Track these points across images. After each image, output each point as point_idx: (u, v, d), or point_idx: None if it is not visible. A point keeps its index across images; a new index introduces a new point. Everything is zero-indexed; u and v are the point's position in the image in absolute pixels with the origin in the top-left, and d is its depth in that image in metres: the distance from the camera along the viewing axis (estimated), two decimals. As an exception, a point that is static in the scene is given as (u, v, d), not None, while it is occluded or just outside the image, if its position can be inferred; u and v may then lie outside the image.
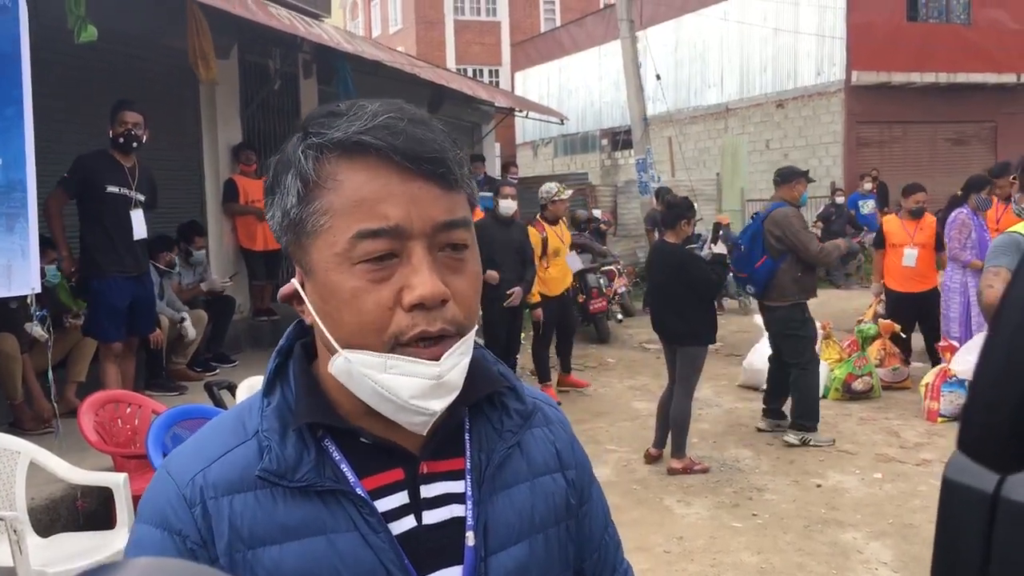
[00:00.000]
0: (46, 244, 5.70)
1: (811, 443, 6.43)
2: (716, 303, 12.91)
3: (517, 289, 7.37)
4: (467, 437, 1.02)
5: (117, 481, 3.92)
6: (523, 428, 1.05)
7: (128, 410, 4.88)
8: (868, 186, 15.29)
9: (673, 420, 6.03)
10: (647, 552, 4.74)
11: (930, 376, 7.28)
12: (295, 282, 0.97)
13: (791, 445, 6.48)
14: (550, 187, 8.09)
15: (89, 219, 5.79)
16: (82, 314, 6.13)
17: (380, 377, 0.89)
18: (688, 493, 5.67)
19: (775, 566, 4.59)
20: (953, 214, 7.81)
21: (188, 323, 7.16)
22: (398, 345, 0.89)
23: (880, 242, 8.43)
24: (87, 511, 4.56)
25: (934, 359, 7.77)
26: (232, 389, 4.96)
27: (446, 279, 0.90)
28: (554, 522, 1.04)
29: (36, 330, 5.12)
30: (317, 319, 0.93)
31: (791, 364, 6.52)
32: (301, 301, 0.96)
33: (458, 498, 0.98)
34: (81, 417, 4.51)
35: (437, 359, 0.89)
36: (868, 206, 15.13)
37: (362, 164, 0.89)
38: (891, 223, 8.40)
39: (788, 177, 6.78)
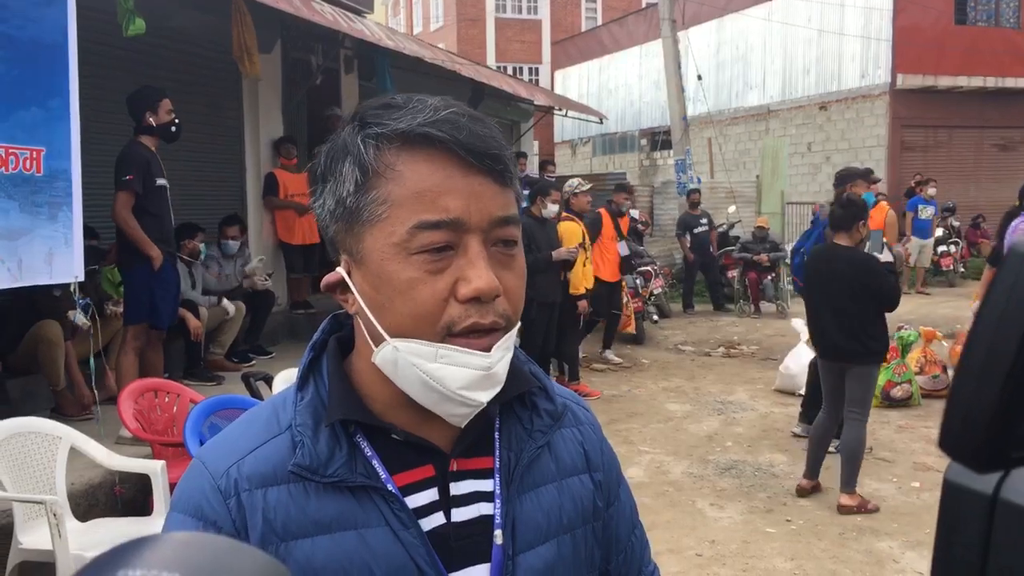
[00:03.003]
0: (90, 234, 5.78)
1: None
2: (754, 306, 12.91)
3: (562, 251, 7.65)
4: (497, 436, 1.02)
5: (155, 468, 3.98)
6: (553, 428, 1.05)
7: (167, 399, 4.95)
8: (932, 191, 15.07)
9: (845, 450, 5.37)
10: (678, 555, 4.72)
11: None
12: (341, 271, 0.97)
13: (797, 436, 6.54)
14: (572, 182, 8.39)
15: (141, 212, 5.74)
16: (122, 301, 6.20)
17: (430, 366, 0.90)
18: (721, 497, 5.63)
19: (808, 573, 4.54)
20: (1014, 224, 7.13)
21: (226, 301, 7.31)
22: (450, 335, 0.90)
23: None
24: (125, 497, 4.63)
25: None
26: (269, 381, 5.00)
27: (498, 274, 0.91)
28: (581, 523, 1.05)
29: (79, 318, 5.20)
30: (365, 308, 0.94)
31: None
32: (346, 290, 0.96)
33: (487, 496, 0.99)
34: (121, 404, 4.57)
35: (488, 350, 0.90)
36: (927, 212, 14.93)
37: (424, 156, 0.90)
38: None
39: (845, 179, 6.67)
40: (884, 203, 8.13)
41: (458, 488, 0.98)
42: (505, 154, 0.92)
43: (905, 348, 7.78)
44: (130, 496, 4.65)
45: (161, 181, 5.79)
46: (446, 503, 0.97)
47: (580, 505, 1.05)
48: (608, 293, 9.09)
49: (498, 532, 0.96)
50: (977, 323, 0.52)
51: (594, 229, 8.80)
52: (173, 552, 0.49)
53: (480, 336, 0.90)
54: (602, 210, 9.21)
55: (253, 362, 7.65)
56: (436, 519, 0.96)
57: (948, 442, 0.52)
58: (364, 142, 0.92)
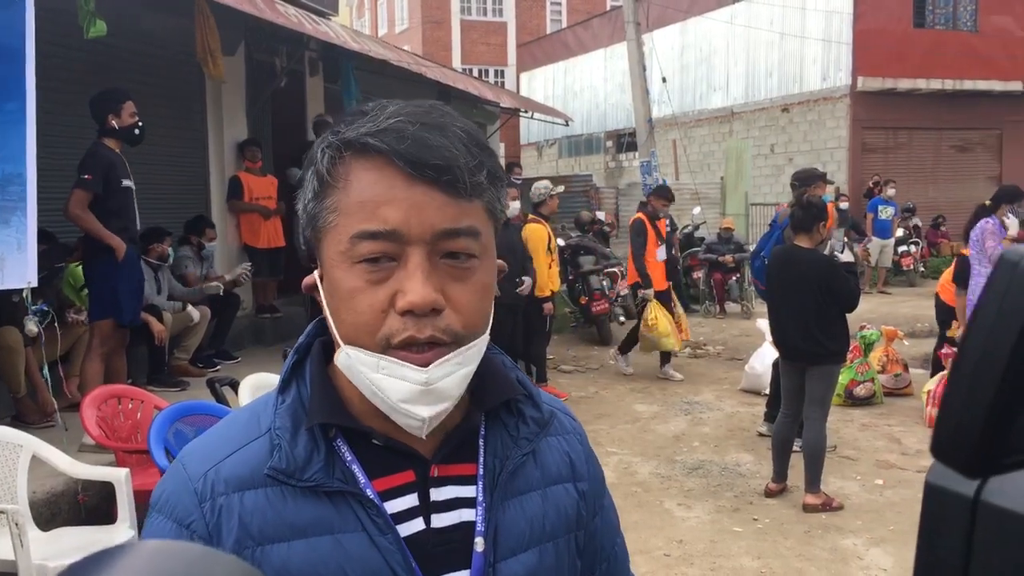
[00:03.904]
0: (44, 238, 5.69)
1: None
2: (719, 307, 13.02)
3: (528, 280, 7.46)
4: (482, 442, 1.01)
5: (119, 476, 3.93)
6: (539, 436, 1.04)
7: (130, 405, 4.89)
8: (891, 192, 15.34)
9: (808, 449, 5.41)
10: (647, 555, 4.74)
11: (932, 383, 7.28)
12: (316, 274, 0.98)
13: (763, 435, 6.60)
14: (542, 184, 8.25)
15: (105, 214, 5.70)
16: (84, 308, 6.13)
17: (373, 376, 0.90)
18: (688, 497, 5.67)
19: (775, 571, 4.58)
20: (980, 224, 7.24)
21: (191, 307, 7.24)
22: (389, 347, 0.89)
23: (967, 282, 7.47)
24: (88, 505, 4.57)
25: (936, 367, 7.74)
26: (235, 386, 4.95)
27: (446, 287, 0.90)
28: (564, 532, 1.04)
29: (28, 325, 5.08)
30: (327, 312, 0.95)
31: None
32: (319, 294, 0.98)
33: (469, 503, 0.98)
34: (84, 412, 4.51)
35: (426, 365, 0.89)
36: (887, 212, 15.19)
37: (372, 166, 0.90)
38: None
39: (807, 180, 6.72)
40: (830, 203, 8.22)
41: (439, 494, 0.97)
42: (458, 164, 0.89)
43: (867, 347, 7.89)
44: (93, 504, 4.59)
45: (127, 183, 5.73)
46: (426, 509, 0.96)
47: (564, 514, 1.04)
48: (659, 301, 8.74)
49: (479, 539, 0.96)
50: (969, 330, 0.53)
51: (639, 238, 8.65)
52: (146, 562, 0.48)
53: (420, 350, 0.89)
54: (641, 215, 8.92)
55: (218, 367, 7.59)
56: (416, 525, 0.96)
57: (941, 448, 0.53)
58: (323, 151, 0.92)
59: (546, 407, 1.08)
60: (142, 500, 4.09)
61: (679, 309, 9.51)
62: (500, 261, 1.01)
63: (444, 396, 0.91)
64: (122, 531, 3.86)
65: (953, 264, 7.96)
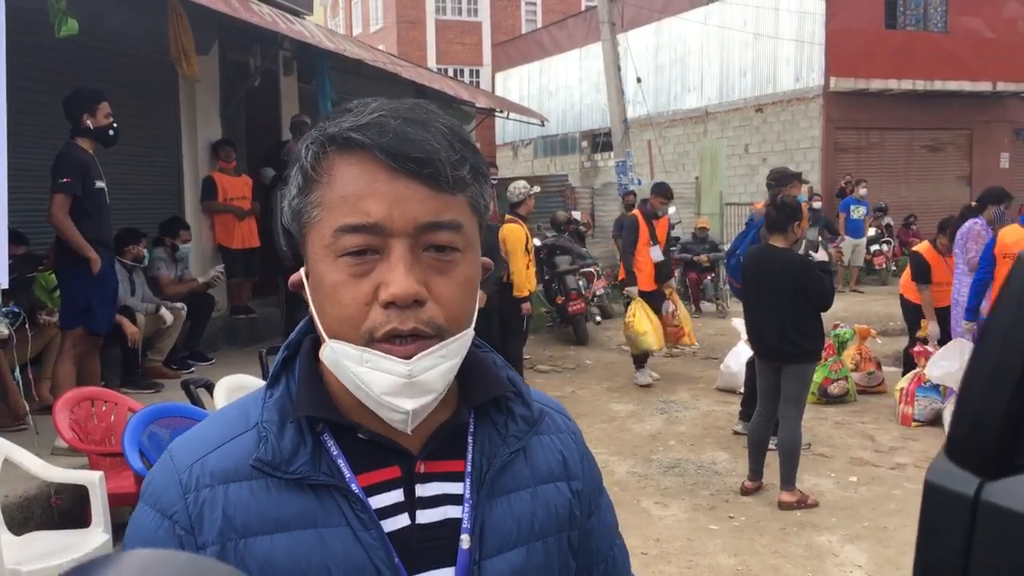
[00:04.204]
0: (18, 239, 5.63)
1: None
2: (694, 306, 13.09)
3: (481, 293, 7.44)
4: (470, 439, 1.01)
5: (93, 479, 3.89)
6: (528, 434, 1.04)
7: (104, 408, 4.84)
8: (863, 192, 15.52)
9: (783, 448, 5.45)
10: (624, 554, 4.75)
11: (905, 381, 7.36)
12: (302, 271, 0.99)
13: (738, 433, 6.69)
14: (519, 184, 8.18)
15: (79, 215, 5.63)
16: (56, 310, 6.06)
17: (357, 369, 0.90)
18: (665, 495, 5.69)
19: (751, 568, 4.62)
20: (967, 224, 7.29)
21: (164, 310, 7.17)
22: (373, 340, 0.90)
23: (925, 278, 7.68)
24: (61, 509, 4.52)
25: (907, 365, 7.82)
26: (210, 387, 4.92)
27: (429, 280, 0.91)
28: (555, 531, 1.04)
29: (0, 328, 5.02)
30: (312, 308, 0.96)
31: None
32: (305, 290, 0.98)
33: (455, 499, 0.98)
34: (56, 414, 4.46)
35: (409, 357, 0.89)
36: (859, 211, 15.36)
37: (355, 160, 0.90)
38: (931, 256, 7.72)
39: (783, 180, 6.77)
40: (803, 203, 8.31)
41: (424, 490, 0.98)
42: (439, 157, 0.90)
43: (841, 346, 7.96)
44: (66, 508, 4.55)
45: (100, 184, 5.69)
46: (411, 505, 0.97)
47: (554, 513, 1.04)
48: (647, 303, 8.61)
49: (465, 536, 0.96)
50: (985, 333, 0.53)
51: (630, 235, 8.57)
52: (136, 570, 0.48)
53: (403, 343, 0.90)
54: (636, 212, 8.89)
55: (193, 369, 7.53)
56: (400, 520, 0.96)
57: (955, 450, 0.54)
58: (307, 147, 0.93)
59: (536, 405, 1.08)
60: (116, 503, 4.06)
61: (682, 311, 9.37)
62: (486, 259, 1.01)
63: (427, 389, 0.91)
64: (96, 535, 3.83)
65: (908, 263, 8.06)
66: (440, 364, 0.91)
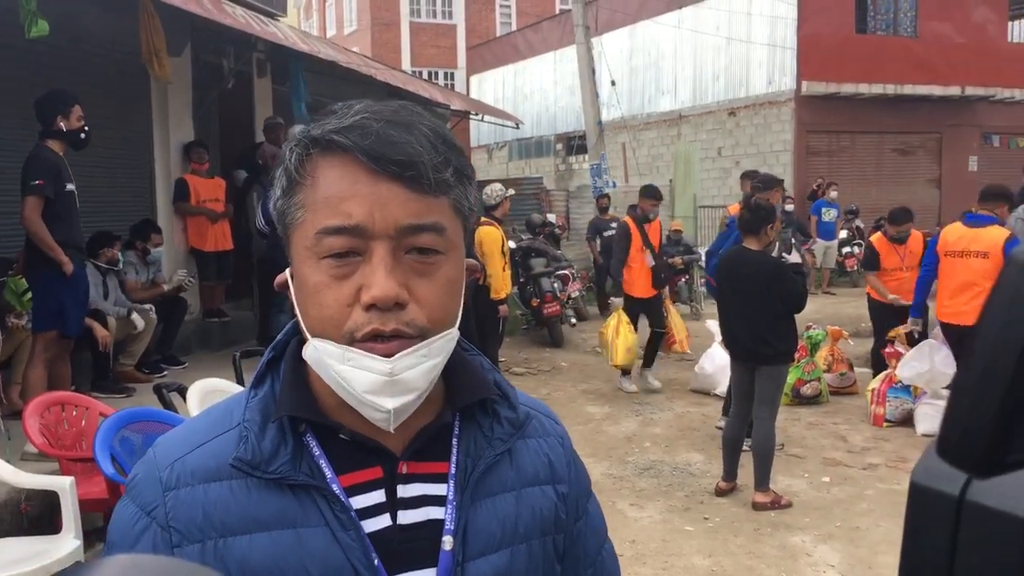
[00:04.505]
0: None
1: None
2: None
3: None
4: (455, 441, 1.02)
5: (63, 485, 3.84)
6: (513, 436, 1.05)
7: (75, 412, 4.78)
8: (834, 194, 15.68)
9: (757, 449, 5.49)
10: (600, 555, 4.77)
11: (876, 382, 7.43)
12: (288, 272, 0.99)
13: (721, 429, 6.65)
14: (495, 187, 8.15)
15: (50, 218, 5.57)
16: (26, 314, 5.99)
17: (339, 368, 0.91)
18: (641, 497, 5.71)
19: (726, 569, 4.64)
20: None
21: (136, 315, 7.10)
22: (354, 341, 0.90)
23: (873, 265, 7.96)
24: (31, 515, 4.46)
25: (876, 365, 7.91)
26: (183, 392, 4.87)
27: (411, 282, 0.91)
28: (539, 534, 1.03)
29: None
30: (296, 308, 0.96)
31: None
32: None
33: (438, 501, 0.98)
34: (26, 419, 4.40)
35: (389, 356, 0.90)
36: (831, 214, 15.52)
37: (337, 162, 0.91)
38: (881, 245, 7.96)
39: (770, 184, 6.89)
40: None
41: (406, 491, 0.98)
42: (422, 160, 0.90)
43: (814, 347, 8.02)
44: (36, 514, 4.49)
45: (70, 186, 5.65)
46: (393, 506, 0.97)
47: (539, 516, 1.04)
48: (646, 311, 8.58)
49: (447, 537, 0.96)
50: (978, 335, 0.54)
51: (623, 242, 8.40)
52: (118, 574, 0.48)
53: (384, 342, 0.90)
54: (627, 219, 8.63)
55: (165, 372, 7.46)
56: (382, 521, 0.96)
57: (948, 450, 0.55)
58: (291, 149, 0.94)
59: (522, 408, 1.08)
60: (87, 509, 4.01)
61: (675, 318, 9.03)
62: (472, 260, 1.01)
63: (409, 388, 0.91)
64: (67, 541, 3.78)
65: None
66: (422, 363, 0.92)
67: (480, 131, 28.94)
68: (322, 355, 0.92)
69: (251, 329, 8.91)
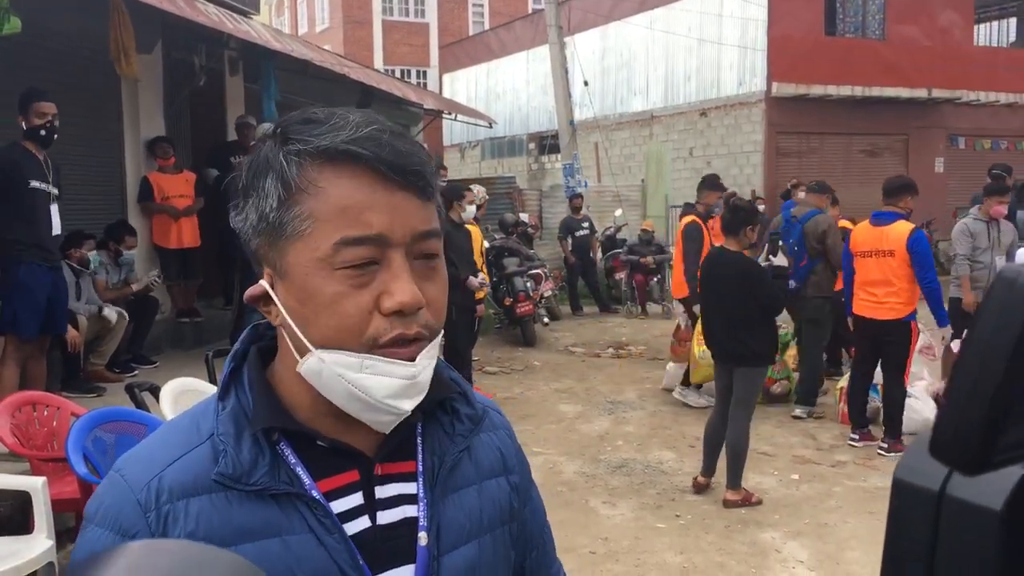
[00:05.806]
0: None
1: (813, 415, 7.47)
2: (640, 307, 13.24)
3: (483, 277, 7.62)
4: (419, 440, 1.04)
5: (35, 485, 3.82)
6: (473, 433, 1.08)
7: (46, 412, 4.75)
8: (802, 195, 15.80)
9: (731, 447, 5.53)
10: (572, 553, 4.81)
11: (844, 380, 7.52)
12: (264, 284, 0.98)
13: (798, 418, 7.39)
14: (481, 189, 8.18)
15: (10, 215, 5.56)
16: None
17: (355, 376, 0.92)
18: (613, 495, 5.76)
19: (697, 566, 4.70)
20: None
21: (108, 310, 7.06)
22: (376, 347, 0.92)
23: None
24: (3, 515, 4.42)
25: (834, 364, 8.23)
26: (155, 391, 4.84)
27: (421, 286, 0.94)
28: (500, 524, 1.08)
29: None
30: (289, 320, 0.95)
31: (813, 346, 7.46)
32: (269, 302, 0.97)
33: (411, 499, 1.01)
34: (-4, 419, 4.37)
35: (413, 359, 0.93)
36: None
37: (348, 172, 0.92)
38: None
39: (825, 188, 7.94)
40: None
41: (383, 491, 1.00)
42: (426, 169, 0.95)
43: (783, 347, 8.11)
44: (7, 514, 4.44)
45: (36, 184, 5.58)
46: (371, 507, 0.99)
47: (498, 507, 1.09)
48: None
49: (423, 534, 0.99)
50: (967, 346, 0.58)
51: (695, 244, 7.58)
52: (146, 560, 0.49)
53: (405, 346, 0.93)
54: (694, 219, 7.78)
55: (136, 372, 7.41)
56: (362, 523, 0.98)
57: (940, 451, 0.59)
58: (287, 158, 0.93)
59: (479, 404, 1.12)
60: (60, 509, 3.99)
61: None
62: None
63: (423, 388, 0.95)
64: (39, 541, 3.76)
65: None
66: (431, 363, 0.96)
67: (453, 130, 28.91)
68: (331, 366, 0.92)
69: (224, 329, 8.85)
